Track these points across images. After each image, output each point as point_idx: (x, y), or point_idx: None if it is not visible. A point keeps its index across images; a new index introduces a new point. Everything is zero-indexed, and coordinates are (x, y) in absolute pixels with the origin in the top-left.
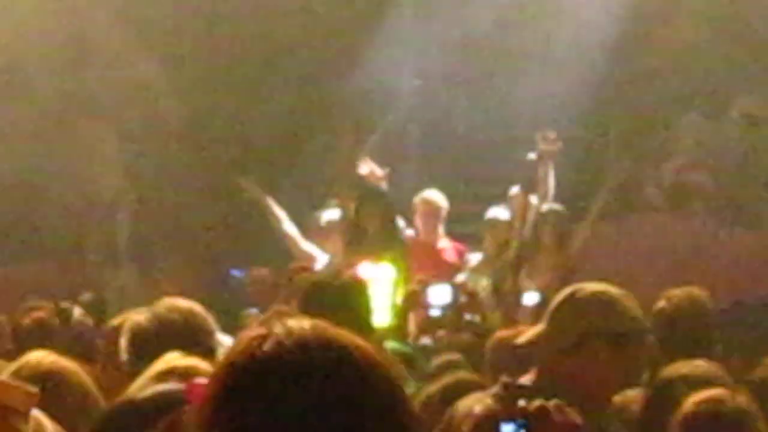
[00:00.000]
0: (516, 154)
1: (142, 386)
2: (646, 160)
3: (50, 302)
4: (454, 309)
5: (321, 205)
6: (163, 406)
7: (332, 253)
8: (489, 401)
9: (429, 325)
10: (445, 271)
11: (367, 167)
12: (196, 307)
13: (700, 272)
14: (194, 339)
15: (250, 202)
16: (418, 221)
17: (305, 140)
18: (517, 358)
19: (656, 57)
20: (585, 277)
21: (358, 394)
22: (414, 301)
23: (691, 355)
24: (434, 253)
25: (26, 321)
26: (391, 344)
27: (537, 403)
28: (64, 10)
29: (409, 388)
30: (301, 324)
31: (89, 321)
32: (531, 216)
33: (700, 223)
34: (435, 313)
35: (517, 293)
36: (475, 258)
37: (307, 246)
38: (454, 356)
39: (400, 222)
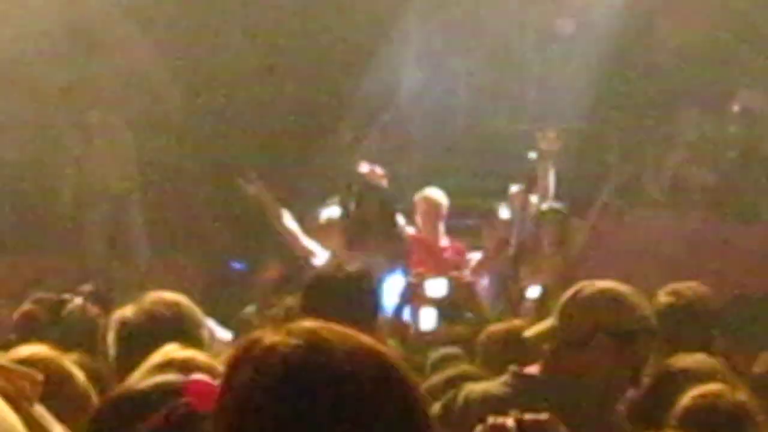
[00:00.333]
0: (518, 148)
1: (141, 378)
2: (647, 154)
3: (55, 293)
4: (450, 302)
5: (325, 201)
6: (163, 396)
7: (332, 250)
8: (499, 389)
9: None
10: (445, 270)
11: (367, 165)
12: (183, 299)
13: (700, 266)
14: (182, 331)
15: (251, 197)
16: (419, 219)
17: (309, 135)
18: (510, 351)
19: (657, 52)
20: (586, 272)
21: (373, 402)
22: (411, 294)
23: (692, 349)
24: (434, 251)
25: (16, 316)
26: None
27: (531, 416)
28: (67, 2)
29: None
30: (313, 327)
31: (92, 311)
32: (531, 215)
33: (701, 218)
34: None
35: (518, 291)
36: (475, 257)
37: (307, 242)
38: (453, 349)
39: (401, 219)
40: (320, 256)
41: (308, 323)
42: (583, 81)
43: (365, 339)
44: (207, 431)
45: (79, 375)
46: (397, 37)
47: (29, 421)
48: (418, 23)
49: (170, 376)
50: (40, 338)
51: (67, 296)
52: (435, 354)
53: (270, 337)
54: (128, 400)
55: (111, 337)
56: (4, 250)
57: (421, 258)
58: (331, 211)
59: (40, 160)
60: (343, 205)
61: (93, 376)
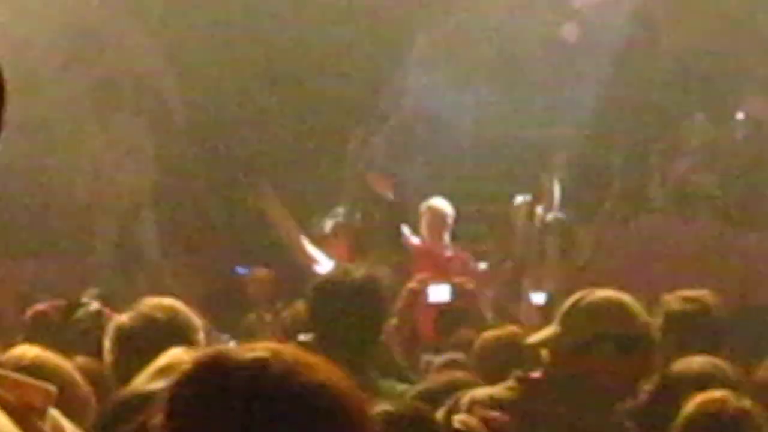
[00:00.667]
0: (522, 154)
1: (146, 381)
2: (652, 162)
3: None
4: (452, 307)
5: (331, 209)
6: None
7: (337, 259)
8: (505, 394)
9: None
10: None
11: (373, 173)
12: (179, 304)
13: (705, 274)
14: (179, 336)
15: (256, 205)
16: (424, 229)
17: (316, 143)
18: (504, 357)
19: (662, 59)
20: (591, 279)
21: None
22: (414, 299)
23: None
24: (439, 261)
25: (29, 315)
26: None
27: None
28: (76, 5)
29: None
30: (275, 349)
31: (105, 316)
32: (536, 225)
33: (706, 225)
34: None
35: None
36: (481, 266)
37: (311, 251)
38: (456, 355)
39: (406, 229)
40: (325, 265)
41: (271, 344)
42: (589, 88)
43: (324, 368)
44: None
45: (80, 380)
46: (402, 43)
47: None
48: (424, 29)
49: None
50: (50, 340)
51: (84, 300)
52: (438, 359)
53: (240, 352)
54: (133, 402)
55: (107, 343)
56: (8, 254)
57: (426, 268)
58: (337, 220)
59: (48, 164)
60: (349, 215)
61: (96, 380)
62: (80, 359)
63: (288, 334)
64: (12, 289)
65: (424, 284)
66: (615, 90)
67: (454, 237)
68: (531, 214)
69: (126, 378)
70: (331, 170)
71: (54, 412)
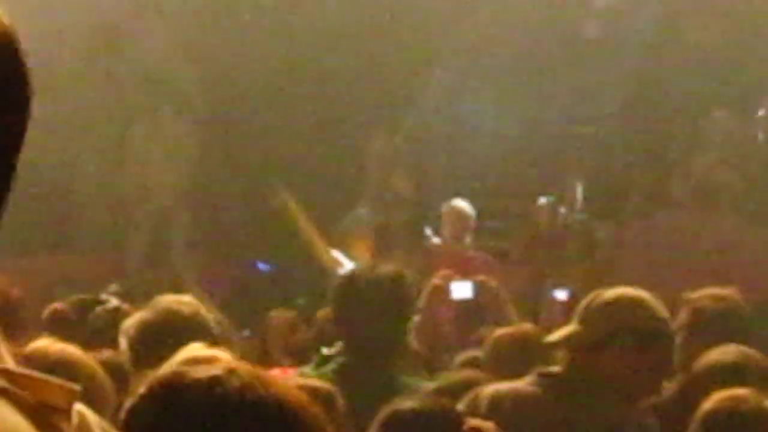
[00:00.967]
0: (544, 150)
1: None
2: (674, 157)
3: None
4: (474, 304)
5: (353, 209)
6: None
7: (359, 260)
8: (527, 388)
9: None
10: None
11: (395, 173)
12: (195, 301)
13: (728, 270)
14: (197, 332)
15: (278, 207)
16: (446, 230)
17: (337, 143)
18: (518, 355)
19: (684, 54)
20: (613, 276)
21: None
22: (437, 296)
23: None
24: (461, 263)
25: (47, 313)
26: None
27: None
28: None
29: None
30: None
31: (125, 313)
32: (558, 225)
33: (728, 221)
34: None
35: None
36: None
37: (332, 253)
38: (478, 352)
39: (428, 230)
40: (346, 267)
41: (228, 362)
42: (609, 84)
43: (281, 384)
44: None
45: (103, 374)
46: (424, 42)
47: None
48: (443, 26)
49: None
50: (67, 337)
51: (104, 297)
52: (459, 357)
53: (197, 370)
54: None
55: (123, 342)
56: (31, 248)
57: (447, 268)
58: (359, 220)
59: (71, 159)
60: (370, 215)
61: (117, 375)
62: (103, 353)
63: (319, 339)
64: (35, 283)
65: (447, 281)
66: (637, 85)
67: (476, 236)
68: (554, 214)
69: (141, 373)
70: (353, 170)
71: (80, 409)
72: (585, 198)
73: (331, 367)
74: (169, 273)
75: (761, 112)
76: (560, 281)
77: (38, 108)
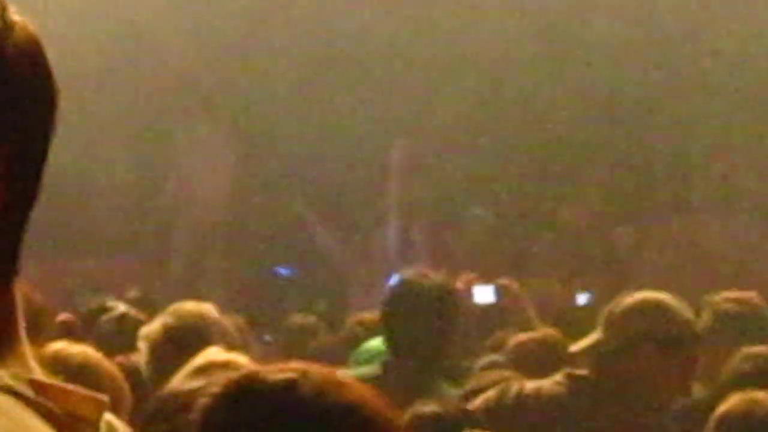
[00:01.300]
0: (565, 154)
1: (183, 380)
2: (695, 161)
3: (120, 300)
4: (497, 309)
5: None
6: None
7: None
8: (553, 388)
9: None
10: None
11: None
12: (210, 308)
13: (748, 273)
14: (215, 339)
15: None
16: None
17: (358, 154)
18: (540, 359)
19: (706, 57)
20: (634, 278)
21: None
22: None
23: None
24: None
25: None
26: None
27: None
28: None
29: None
30: (302, 368)
31: (132, 320)
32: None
33: (749, 225)
34: None
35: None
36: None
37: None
38: (499, 356)
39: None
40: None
41: (300, 364)
42: (630, 86)
43: (354, 388)
44: None
45: (121, 378)
46: (434, 46)
47: None
48: (462, 32)
49: (216, 377)
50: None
51: (110, 304)
52: (481, 362)
53: (270, 373)
54: (173, 401)
55: (143, 345)
56: (55, 253)
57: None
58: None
59: (93, 165)
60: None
61: (132, 381)
62: (118, 358)
63: (348, 343)
64: (57, 288)
65: (469, 285)
66: (657, 89)
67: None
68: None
69: (162, 378)
70: (374, 177)
71: (109, 419)
72: (605, 202)
73: (369, 370)
74: (187, 278)
75: None
76: (582, 286)
77: (61, 113)
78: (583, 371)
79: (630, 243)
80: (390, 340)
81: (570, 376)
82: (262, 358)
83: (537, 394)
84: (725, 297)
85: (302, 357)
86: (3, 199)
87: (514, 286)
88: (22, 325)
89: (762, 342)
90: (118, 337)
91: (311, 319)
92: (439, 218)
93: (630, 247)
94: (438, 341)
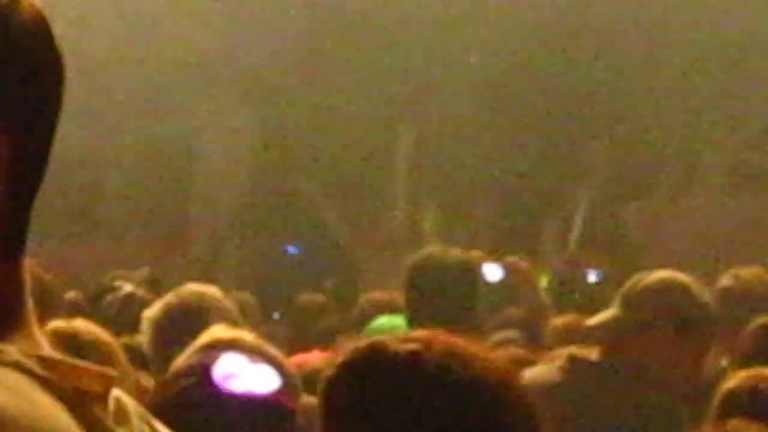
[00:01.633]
0: (574, 134)
1: (188, 358)
2: (706, 140)
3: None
4: (506, 287)
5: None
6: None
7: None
8: (553, 374)
9: None
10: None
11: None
12: (213, 290)
13: (758, 251)
14: (218, 319)
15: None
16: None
17: (363, 138)
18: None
19: (719, 39)
20: (644, 257)
21: (489, 418)
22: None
23: None
24: None
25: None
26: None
27: None
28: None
29: None
30: (436, 336)
31: (140, 299)
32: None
33: (760, 204)
34: None
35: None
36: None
37: None
38: (511, 333)
39: None
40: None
41: (426, 332)
42: (643, 66)
43: (479, 358)
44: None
45: (122, 353)
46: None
47: (96, 426)
48: (465, 19)
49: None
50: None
51: (117, 284)
52: (494, 337)
53: (395, 344)
54: (175, 377)
55: (146, 324)
56: (61, 236)
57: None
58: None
59: (99, 148)
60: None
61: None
62: (122, 338)
63: (361, 320)
64: (66, 269)
65: (479, 263)
66: (669, 68)
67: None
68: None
69: (164, 358)
70: (382, 166)
71: (117, 395)
72: (615, 181)
73: None
74: (197, 258)
75: None
76: (592, 264)
77: (68, 95)
78: (587, 354)
79: (639, 221)
80: (413, 314)
81: (574, 361)
82: (270, 337)
83: (531, 383)
84: (731, 274)
85: (312, 335)
86: (11, 174)
87: (523, 263)
88: (29, 302)
89: (756, 317)
90: (123, 317)
91: (320, 297)
92: (449, 199)
93: (639, 224)
94: (459, 314)
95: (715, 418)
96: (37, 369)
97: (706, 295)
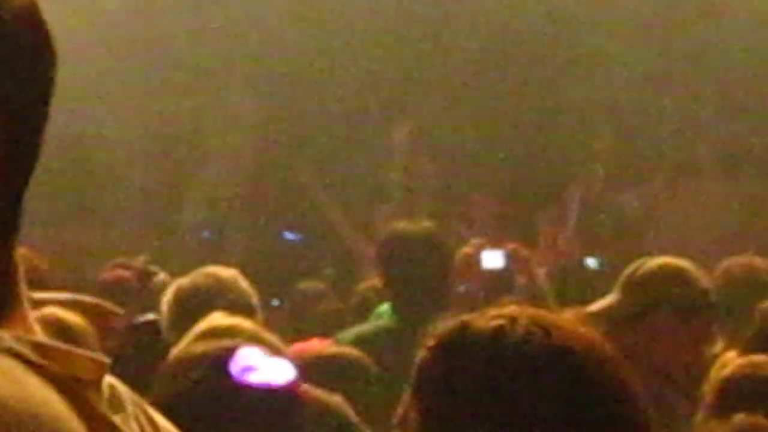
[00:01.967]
0: (583, 121)
1: (187, 346)
2: (702, 124)
3: (137, 263)
4: (506, 274)
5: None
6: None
7: None
8: None
9: None
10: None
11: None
12: (229, 272)
13: (755, 237)
14: (233, 301)
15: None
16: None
17: (361, 131)
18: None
19: (717, 25)
20: (644, 243)
21: (580, 393)
22: (468, 264)
23: (747, 322)
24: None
25: (108, 278)
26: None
27: None
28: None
29: None
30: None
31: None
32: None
33: (756, 189)
34: None
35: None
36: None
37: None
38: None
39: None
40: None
41: (515, 308)
42: (640, 53)
43: (571, 323)
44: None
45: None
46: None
47: (89, 413)
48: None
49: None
50: (126, 304)
51: (153, 269)
52: None
53: (483, 321)
54: (183, 364)
55: (164, 306)
56: (56, 221)
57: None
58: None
59: (91, 132)
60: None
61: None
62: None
63: (360, 308)
64: (62, 255)
65: (478, 250)
66: (665, 56)
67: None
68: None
69: (176, 338)
70: (379, 158)
71: (111, 381)
72: (613, 167)
73: (375, 327)
74: (195, 244)
75: None
76: (591, 251)
77: (63, 78)
78: None
79: (638, 207)
80: (389, 284)
81: None
82: (271, 324)
83: None
84: (728, 262)
85: (311, 322)
86: (3, 159)
87: (524, 251)
88: (24, 288)
89: (750, 305)
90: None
91: (319, 284)
92: (446, 190)
93: (638, 211)
94: (434, 285)
95: (713, 407)
96: (31, 355)
97: (706, 282)
